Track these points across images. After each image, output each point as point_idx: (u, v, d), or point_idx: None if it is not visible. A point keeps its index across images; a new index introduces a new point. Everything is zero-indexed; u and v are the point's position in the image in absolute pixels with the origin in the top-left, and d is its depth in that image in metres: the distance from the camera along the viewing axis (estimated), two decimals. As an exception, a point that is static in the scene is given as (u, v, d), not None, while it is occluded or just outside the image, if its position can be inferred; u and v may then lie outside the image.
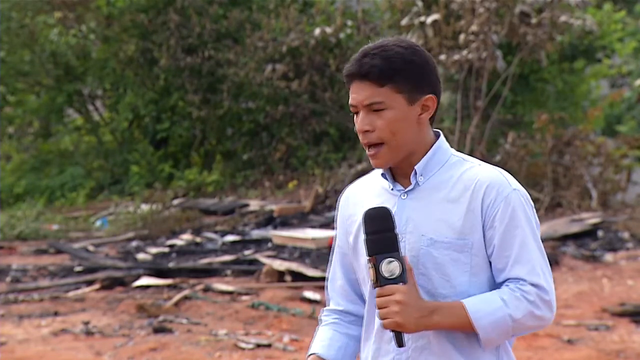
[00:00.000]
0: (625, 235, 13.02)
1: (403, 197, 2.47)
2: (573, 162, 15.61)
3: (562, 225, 13.16)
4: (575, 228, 12.99)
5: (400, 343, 2.37)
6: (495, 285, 2.44)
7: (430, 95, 2.44)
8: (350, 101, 2.44)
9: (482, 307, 2.36)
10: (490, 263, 2.43)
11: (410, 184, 2.47)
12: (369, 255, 2.37)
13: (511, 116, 18.51)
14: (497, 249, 2.40)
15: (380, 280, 2.35)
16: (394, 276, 2.34)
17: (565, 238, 12.65)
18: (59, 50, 20.69)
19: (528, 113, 18.53)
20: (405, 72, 2.40)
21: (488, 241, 2.41)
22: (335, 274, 2.65)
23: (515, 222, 2.39)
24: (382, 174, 2.50)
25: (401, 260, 2.35)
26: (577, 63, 19.60)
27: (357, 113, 2.44)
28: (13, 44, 20.68)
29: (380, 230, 2.37)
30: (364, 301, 2.59)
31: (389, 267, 2.35)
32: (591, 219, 13.59)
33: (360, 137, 2.45)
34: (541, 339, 7.67)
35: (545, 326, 2.45)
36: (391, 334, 2.40)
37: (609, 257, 11.59)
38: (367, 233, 2.39)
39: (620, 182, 16.02)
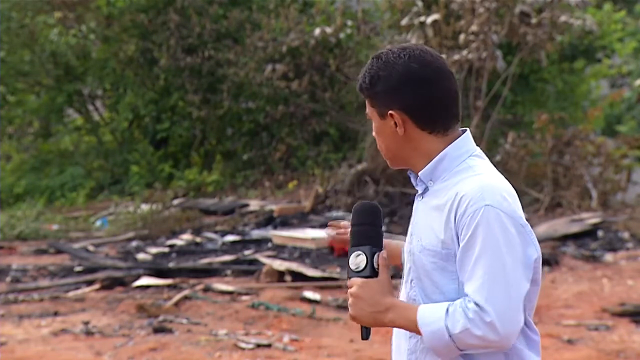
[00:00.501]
0: (625, 235, 13.02)
1: (419, 200, 2.53)
2: (573, 162, 15.61)
3: (562, 225, 13.16)
4: (575, 228, 12.99)
5: (363, 335, 2.44)
6: None
7: (392, 111, 2.46)
8: None
9: (429, 314, 2.36)
10: None
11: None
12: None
13: (511, 116, 18.52)
14: (458, 262, 2.39)
15: (347, 272, 2.44)
16: (358, 269, 2.41)
17: (565, 238, 12.65)
18: (59, 50, 20.68)
19: (528, 113, 18.54)
20: (374, 87, 2.48)
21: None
22: None
23: (475, 238, 2.35)
24: (409, 172, 2.56)
25: (370, 254, 2.40)
26: (577, 63, 19.60)
27: None
28: (13, 44, 20.68)
29: (359, 224, 2.45)
30: None
31: (356, 260, 2.41)
32: (591, 219, 13.59)
33: None
34: (541, 339, 7.67)
35: (496, 347, 2.37)
36: (408, 333, 2.47)
37: (609, 257, 11.59)
38: (351, 225, 2.49)
39: (620, 182, 16.02)
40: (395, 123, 2.46)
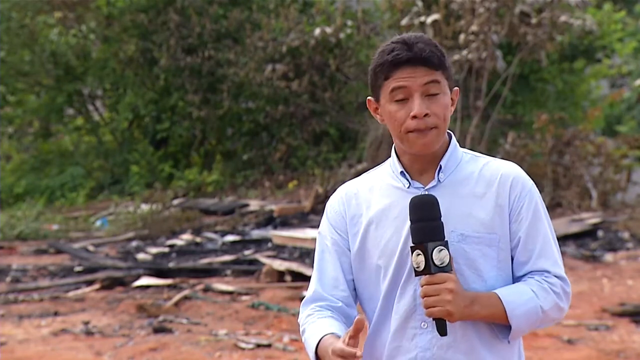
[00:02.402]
0: (625, 235, 13.01)
1: (425, 194, 2.46)
2: (573, 162, 15.61)
3: (562, 225, 13.16)
4: (575, 228, 12.99)
5: (444, 332, 2.37)
6: (514, 278, 2.47)
7: (457, 88, 2.51)
8: (399, 84, 2.41)
9: (515, 297, 2.40)
10: (512, 256, 2.47)
11: (429, 181, 2.48)
12: (417, 242, 2.35)
13: (511, 116, 18.52)
14: (522, 242, 2.46)
15: (431, 268, 2.33)
16: (444, 264, 2.34)
17: (565, 238, 12.64)
18: (59, 50, 20.70)
19: (528, 113, 18.54)
20: (447, 61, 2.46)
21: (513, 234, 2.46)
22: (328, 273, 2.58)
23: (538, 215, 2.47)
24: (401, 172, 2.49)
25: (449, 249, 2.36)
26: (577, 63, 19.60)
27: (401, 100, 2.42)
28: (13, 44, 20.69)
29: (429, 218, 2.36)
30: (355, 303, 2.58)
31: (440, 255, 2.34)
32: (591, 219, 13.59)
33: (410, 122, 2.41)
34: (541, 339, 7.67)
35: (561, 319, 2.49)
36: (418, 331, 2.43)
37: (609, 257, 11.59)
38: (415, 220, 2.37)
39: (620, 182, 16.02)
40: (452, 100, 2.48)
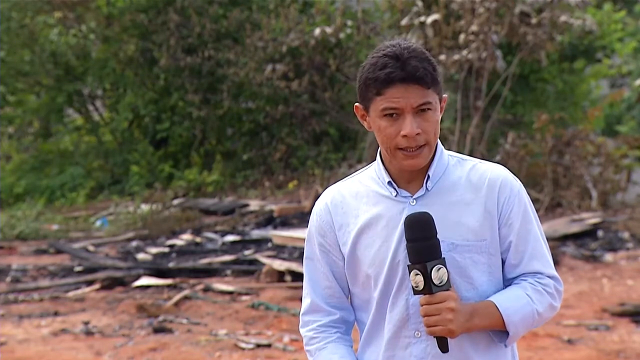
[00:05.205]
0: (625, 235, 13.01)
1: (412, 204, 2.43)
2: (573, 162, 15.61)
3: (562, 225, 13.16)
4: (575, 228, 12.98)
5: (445, 349, 2.36)
6: (505, 281, 2.47)
7: (445, 96, 2.46)
8: (392, 104, 2.35)
9: (511, 304, 2.39)
10: (502, 260, 2.46)
11: (417, 189, 2.45)
12: (415, 262, 2.32)
13: (511, 116, 18.52)
14: (513, 246, 2.44)
15: (431, 288, 2.32)
16: (442, 283, 2.32)
17: (565, 238, 12.64)
18: (59, 50, 20.70)
19: (528, 113, 18.54)
20: (438, 74, 2.41)
21: (503, 238, 2.44)
22: (321, 283, 2.59)
23: (527, 217, 2.45)
24: (389, 182, 2.45)
25: (446, 266, 2.34)
26: (577, 63, 19.60)
27: (391, 116, 2.36)
28: (13, 44, 20.70)
29: (427, 237, 2.33)
30: (352, 308, 2.56)
31: (439, 274, 2.32)
32: (591, 219, 13.58)
33: (400, 140, 2.36)
34: (541, 339, 7.67)
35: (554, 315, 2.52)
36: (411, 340, 2.42)
37: (609, 257, 11.59)
38: (412, 240, 2.34)
39: (620, 182, 16.02)
40: (441, 109, 2.44)
